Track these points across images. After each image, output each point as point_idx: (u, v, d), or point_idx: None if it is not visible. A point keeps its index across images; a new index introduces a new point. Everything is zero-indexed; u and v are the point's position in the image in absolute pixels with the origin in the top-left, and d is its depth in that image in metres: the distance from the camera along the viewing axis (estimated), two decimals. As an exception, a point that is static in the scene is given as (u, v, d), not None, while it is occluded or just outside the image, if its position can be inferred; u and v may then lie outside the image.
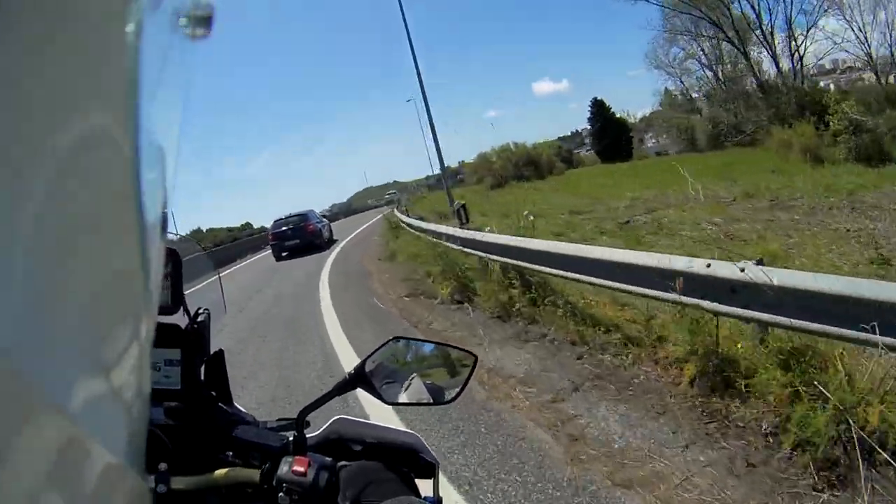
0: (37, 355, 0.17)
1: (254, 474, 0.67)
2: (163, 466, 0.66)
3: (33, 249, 0.17)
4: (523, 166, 28.35)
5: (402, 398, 0.74)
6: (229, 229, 35.87)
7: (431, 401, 0.75)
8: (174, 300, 0.74)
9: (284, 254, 13.67)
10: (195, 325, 0.76)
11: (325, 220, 16.85)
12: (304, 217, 14.42)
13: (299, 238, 13.66)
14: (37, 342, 0.18)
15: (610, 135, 32.90)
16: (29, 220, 0.17)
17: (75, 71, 0.19)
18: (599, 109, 35.26)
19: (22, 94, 0.17)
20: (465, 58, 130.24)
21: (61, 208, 0.19)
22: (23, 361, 0.17)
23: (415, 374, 0.75)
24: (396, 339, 0.77)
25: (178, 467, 0.67)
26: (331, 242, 15.04)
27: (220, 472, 0.68)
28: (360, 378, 0.71)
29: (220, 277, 0.94)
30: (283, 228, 13.98)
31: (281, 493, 0.64)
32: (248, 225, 39.96)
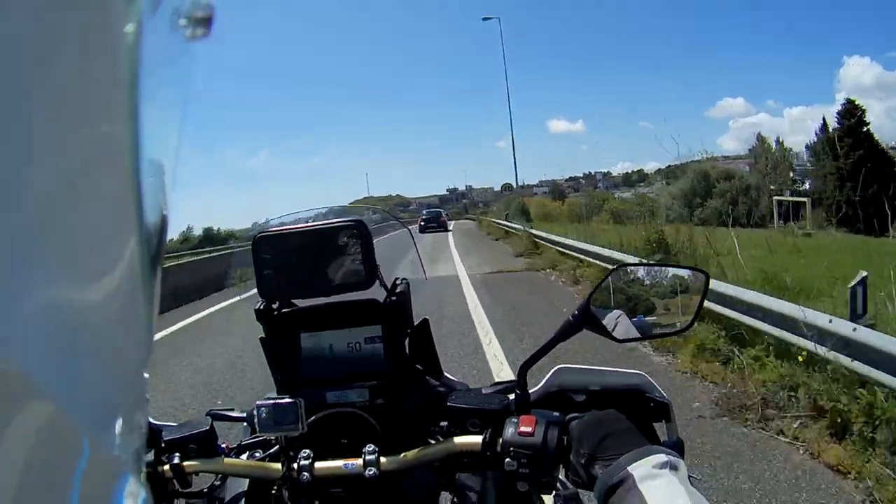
0: (35, 354, 0.18)
1: (474, 442, 0.63)
2: (370, 448, 0.64)
3: (32, 249, 0.18)
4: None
5: (622, 334, 0.68)
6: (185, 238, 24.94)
7: (640, 335, 0.71)
8: (367, 274, 0.69)
9: (425, 231, 24.40)
10: (394, 297, 0.72)
11: (447, 214, 34.00)
12: (439, 212, 30.45)
13: (436, 223, 26.28)
14: (35, 341, 0.18)
15: (874, 174, 13.75)
16: (28, 219, 0.17)
17: (74, 71, 0.19)
18: (857, 127, 18.30)
19: (20, 94, 0.17)
20: (482, 85, 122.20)
21: (60, 208, 0.19)
22: (21, 361, 0.17)
23: (621, 313, 0.69)
24: (619, 267, 0.72)
25: (390, 447, 0.65)
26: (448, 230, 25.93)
27: (437, 444, 0.65)
28: (585, 318, 0.66)
29: (415, 243, 0.89)
30: (428, 217, 27.66)
31: (507, 458, 0.59)
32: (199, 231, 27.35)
